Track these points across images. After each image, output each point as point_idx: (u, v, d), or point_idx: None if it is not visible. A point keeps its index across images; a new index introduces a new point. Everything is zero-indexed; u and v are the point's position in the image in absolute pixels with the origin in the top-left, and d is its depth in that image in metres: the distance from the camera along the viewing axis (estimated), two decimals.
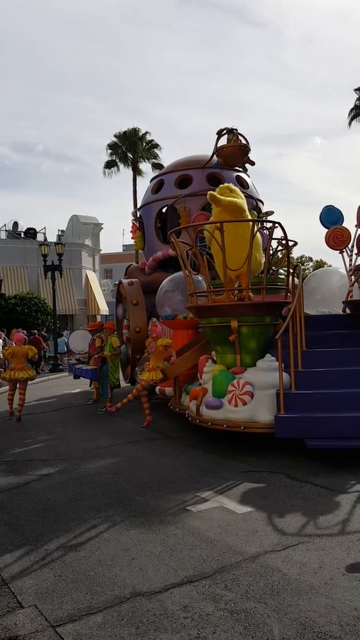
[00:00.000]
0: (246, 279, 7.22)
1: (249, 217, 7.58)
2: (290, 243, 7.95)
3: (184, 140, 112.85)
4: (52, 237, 31.36)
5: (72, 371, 12.63)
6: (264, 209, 12.88)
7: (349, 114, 35.04)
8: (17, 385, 10.17)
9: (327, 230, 10.18)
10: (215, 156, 11.98)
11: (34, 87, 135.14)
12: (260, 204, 12.94)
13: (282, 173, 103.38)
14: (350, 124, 35.09)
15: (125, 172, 37.59)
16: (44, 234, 32.15)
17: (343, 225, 10.17)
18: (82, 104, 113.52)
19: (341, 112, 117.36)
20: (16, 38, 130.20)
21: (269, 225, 7.84)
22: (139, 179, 36.87)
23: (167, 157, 45.13)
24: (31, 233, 32.05)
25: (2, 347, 15.90)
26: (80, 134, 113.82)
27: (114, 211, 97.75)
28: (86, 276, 32.58)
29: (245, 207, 7.45)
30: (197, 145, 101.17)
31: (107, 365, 10.72)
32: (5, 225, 31.97)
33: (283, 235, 7.64)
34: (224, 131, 11.74)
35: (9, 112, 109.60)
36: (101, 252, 37.87)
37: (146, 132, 37.03)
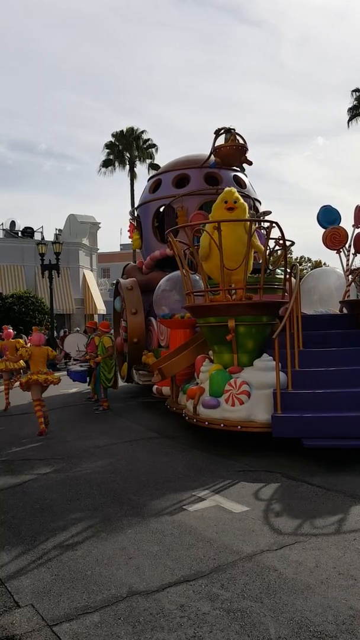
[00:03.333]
0: (243, 280, 7.24)
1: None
2: (288, 243, 7.96)
3: (180, 138, 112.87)
4: (49, 236, 31.32)
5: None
6: (262, 209, 12.89)
7: (348, 113, 35.08)
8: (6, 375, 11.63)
9: (324, 230, 10.20)
10: (212, 156, 11.99)
11: (30, 84, 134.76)
12: (257, 204, 12.95)
13: (279, 172, 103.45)
14: (348, 124, 35.15)
15: (123, 172, 37.61)
16: (42, 233, 32.06)
17: (340, 225, 10.19)
18: (79, 102, 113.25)
19: (338, 112, 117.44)
20: (11, 35, 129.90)
21: (266, 225, 7.86)
22: (135, 179, 36.87)
23: (163, 155, 45.21)
24: (28, 232, 31.97)
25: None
26: (76, 132, 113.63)
27: (111, 210, 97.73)
28: (84, 275, 32.55)
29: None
30: (193, 143, 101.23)
31: (99, 366, 10.73)
32: (2, 224, 31.89)
33: (280, 235, 7.65)
34: (222, 131, 11.75)
35: (4, 110, 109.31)
36: (99, 251, 37.83)
37: (143, 131, 37.00)
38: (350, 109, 34.93)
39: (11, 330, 12.19)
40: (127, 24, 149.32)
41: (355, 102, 34.60)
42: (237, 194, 7.56)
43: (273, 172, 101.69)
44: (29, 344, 10.37)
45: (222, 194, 7.60)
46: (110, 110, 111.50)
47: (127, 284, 12.25)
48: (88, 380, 12.07)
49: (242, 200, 7.58)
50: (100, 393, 10.87)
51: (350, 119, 34.89)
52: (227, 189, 7.79)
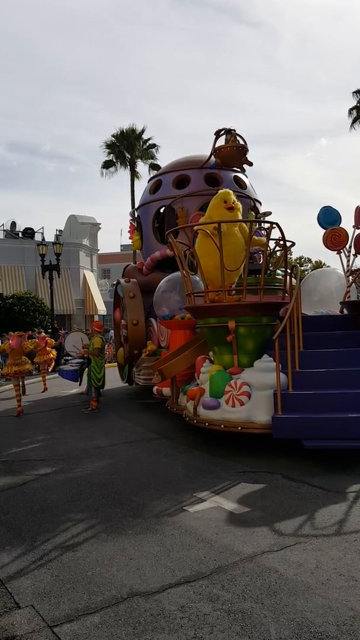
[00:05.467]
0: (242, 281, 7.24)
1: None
2: (288, 244, 7.96)
3: (178, 139, 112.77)
4: (50, 237, 31.30)
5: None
6: (262, 210, 12.89)
7: (349, 114, 35.06)
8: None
9: (325, 230, 10.21)
10: (213, 156, 12.00)
11: (28, 86, 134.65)
12: (258, 205, 12.96)
13: (278, 173, 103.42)
14: (351, 127, 35.11)
15: (123, 172, 37.58)
16: (42, 233, 32.05)
17: (341, 226, 10.20)
18: (77, 103, 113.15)
19: (338, 113, 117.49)
20: (9, 36, 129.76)
21: (266, 225, 7.86)
22: (136, 179, 36.86)
23: (162, 156, 45.01)
24: (29, 233, 31.97)
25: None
26: (75, 134, 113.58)
27: (111, 211, 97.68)
28: (84, 276, 32.56)
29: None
30: (192, 144, 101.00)
31: (90, 365, 10.87)
32: (3, 224, 31.89)
33: (281, 235, 7.65)
34: (222, 131, 11.76)
35: (3, 111, 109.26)
36: (99, 252, 37.83)
37: (143, 130, 36.94)
38: (351, 110, 34.91)
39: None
40: (125, 25, 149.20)
41: (358, 103, 34.57)
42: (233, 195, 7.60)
43: (272, 173, 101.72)
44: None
45: (219, 195, 7.62)
46: (108, 111, 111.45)
47: (129, 291, 12.17)
48: (79, 380, 12.14)
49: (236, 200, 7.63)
50: (91, 392, 10.98)
51: (353, 122, 34.86)
52: (222, 190, 7.82)
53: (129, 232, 14.35)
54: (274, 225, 7.54)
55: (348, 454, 6.32)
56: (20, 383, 11.79)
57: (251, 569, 3.65)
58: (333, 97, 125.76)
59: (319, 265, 42.56)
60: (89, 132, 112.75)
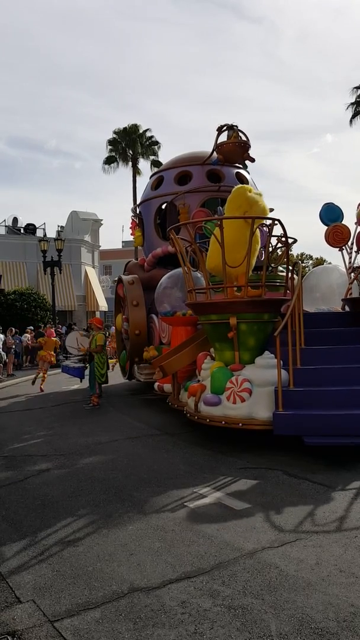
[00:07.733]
0: (244, 277, 7.22)
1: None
2: (290, 240, 7.94)
3: (178, 135, 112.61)
4: (51, 233, 31.28)
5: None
6: None
7: (351, 110, 34.94)
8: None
9: (326, 227, 10.19)
10: (215, 152, 11.97)
11: (29, 81, 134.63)
12: None
13: (279, 169, 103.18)
14: (351, 122, 35.01)
15: (125, 169, 37.55)
16: (44, 229, 32.05)
17: (343, 222, 10.18)
18: (78, 99, 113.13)
19: (339, 109, 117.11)
20: (10, 31, 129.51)
21: (268, 222, 7.84)
22: (138, 175, 36.82)
23: (163, 152, 45.02)
24: (31, 229, 31.99)
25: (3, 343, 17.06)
26: (75, 129, 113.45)
27: (113, 207, 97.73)
28: (85, 272, 32.58)
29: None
30: (191, 140, 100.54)
31: (93, 362, 10.88)
32: (4, 220, 31.89)
33: (283, 232, 7.63)
34: (224, 127, 11.73)
35: (3, 106, 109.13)
36: (100, 248, 37.84)
37: (147, 130, 36.96)
38: (351, 104, 34.76)
39: (53, 331, 16.08)
40: (126, 20, 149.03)
41: (358, 99, 34.44)
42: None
43: (273, 169, 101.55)
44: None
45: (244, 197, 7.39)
46: (109, 107, 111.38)
47: (128, 279, 12.28)
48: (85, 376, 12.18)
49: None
50: (94, 388, 10.99)
51: (352, 117, 34.75)
52: (239, 186, 7.66)
53: (130, 228, 14.33)
54: (276, 222, 7.52)
55: (349, 450, 6.31)
56: (41, 373, 13.89)
57: (252, 565, 3.65)
58: (334, 93, 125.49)
59: (320, 262, 42.50)
60: (89, 127, 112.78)
